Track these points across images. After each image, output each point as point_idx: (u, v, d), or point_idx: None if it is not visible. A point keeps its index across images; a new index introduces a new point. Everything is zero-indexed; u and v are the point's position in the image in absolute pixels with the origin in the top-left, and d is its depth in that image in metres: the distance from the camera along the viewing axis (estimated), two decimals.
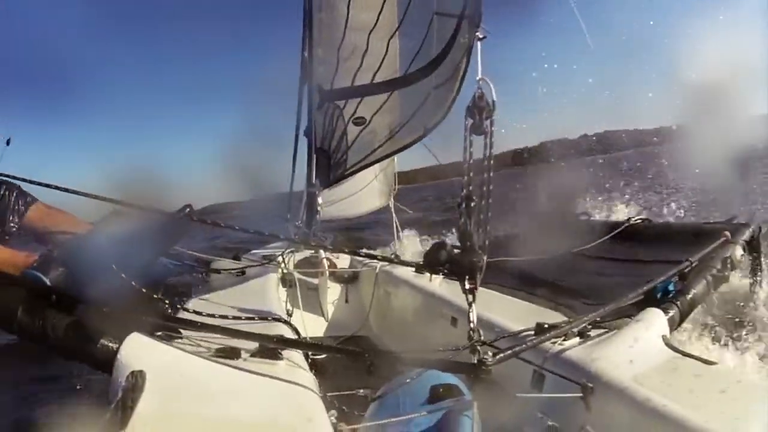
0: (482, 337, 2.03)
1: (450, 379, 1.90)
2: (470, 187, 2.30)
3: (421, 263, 2.28)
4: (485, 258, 2.10)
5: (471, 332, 2.01)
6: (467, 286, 2.06)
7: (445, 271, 2.17)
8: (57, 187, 2.26)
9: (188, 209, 2.42)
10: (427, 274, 3.93)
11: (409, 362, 2.09)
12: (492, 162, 2.18)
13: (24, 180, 2.43)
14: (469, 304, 2.05)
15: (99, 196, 2.14)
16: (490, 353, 1.92)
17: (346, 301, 5.01)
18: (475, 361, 1.85)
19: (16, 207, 2.72)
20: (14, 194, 2.73)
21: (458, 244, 2.18)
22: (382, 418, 1.85)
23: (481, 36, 3.08)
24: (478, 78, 2.26)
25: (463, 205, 2.16)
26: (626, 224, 4.41)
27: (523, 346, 2.10)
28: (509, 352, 2.02)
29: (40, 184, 2.33)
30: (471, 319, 2.03)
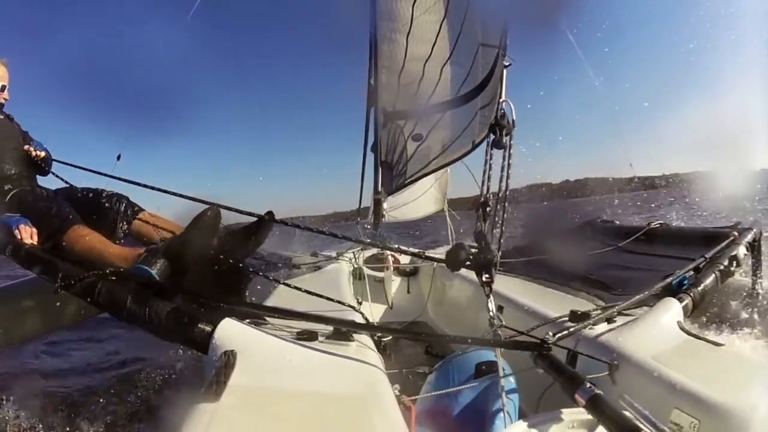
0: (503, 322, 1.95)
1: (492, 357, 1.89)
2: (487, 194, 2.25)
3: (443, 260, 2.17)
4: (498, 255, 2.08)
5: (491, 319, 1.93)
6: (484, 280, 1.98)
7: (466, 266, 2.06)
8: (160, 189, 2.30)
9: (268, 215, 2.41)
10: None
11: (470, 343, 2.00)
12: (509, 172, 2.14)
13: (132, 182, 2.46)
14: (487, 296, 1.97)
15: (196, 198, 2.12)
16: (551, 333, 1.91)
17: (408, 291, 5.01)
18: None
19: (126, 215, 2.80)
20: (123, 204, 2.82)
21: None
22: (435, 391, 1.90)
23: (507, 63, 3.01)
24: (501, 100, 2.22)
25: (479, 210, 2.11)
26: (647, 228, 4.26)
27: (579, 325, 2.12)
28: (567, 331, 2.03)
29: (147, 186, 2.37)
30: (490, 308, 1.95)
